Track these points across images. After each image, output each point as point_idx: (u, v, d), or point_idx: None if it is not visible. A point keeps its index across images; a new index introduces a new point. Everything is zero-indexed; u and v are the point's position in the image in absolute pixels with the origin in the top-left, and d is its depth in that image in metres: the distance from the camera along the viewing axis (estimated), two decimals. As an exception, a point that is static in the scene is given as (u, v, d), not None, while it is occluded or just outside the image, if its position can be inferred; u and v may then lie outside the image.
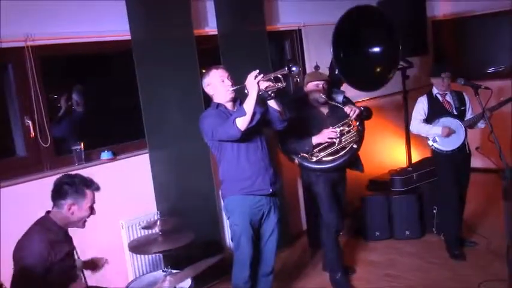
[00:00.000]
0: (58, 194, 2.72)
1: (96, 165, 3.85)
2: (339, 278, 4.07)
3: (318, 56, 5.17)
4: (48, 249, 2.61)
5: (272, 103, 3.38)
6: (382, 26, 4.22)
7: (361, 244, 4.84)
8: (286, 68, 3.22)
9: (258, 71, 3.21)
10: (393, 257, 4.56)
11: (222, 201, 3.68)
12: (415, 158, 5.62)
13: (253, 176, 3.43)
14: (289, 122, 3.61)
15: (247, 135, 3.27)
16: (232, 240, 3.61)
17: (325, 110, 4.02)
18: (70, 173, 2.95)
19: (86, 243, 3.23)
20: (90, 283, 3.09)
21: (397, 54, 4.28)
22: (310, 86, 3.98)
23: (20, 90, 3.53)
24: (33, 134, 3.54)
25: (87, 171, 3.71)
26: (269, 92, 3.28)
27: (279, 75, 3.26)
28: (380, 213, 4.86)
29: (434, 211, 4.79)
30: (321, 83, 3.94)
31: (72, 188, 2.71)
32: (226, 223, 4.25)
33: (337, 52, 3.96)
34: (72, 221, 2.76)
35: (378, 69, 4.27)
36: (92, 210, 2.80)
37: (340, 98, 3.99)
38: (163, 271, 2.36)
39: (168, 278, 2.32)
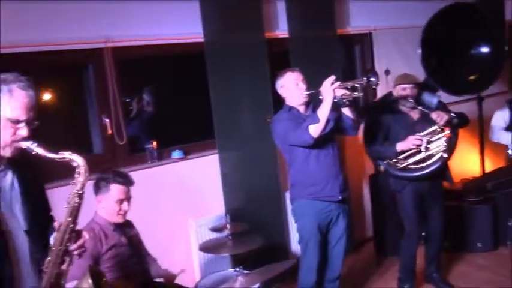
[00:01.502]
0: (94, 190, 2.87)
1: (167, 163, 3.94)
2: None
3: (389, 61, 5.09)
4: (94, 243, 2.73)
5: (346, 111, 3.35)
6: (484, 26, 3.95)
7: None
8: (365, 78, 3.18)
9: (334, 77, 3.18)
10: (463, 269, 4.40)
11: (290, 204, 3.67)
12: (489, 167, 5.39)
13: (322, 182, 3.41)
14: (377, 125, 3.64)
15: (319, 141, 3.26)
16: (299, 244, 3.61)
17: (415, 115, 3.84)
18: (114, 170, 3.05)
19: (154, 240, 3.31)
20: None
21: (503, 56, 3.99)
22: (398, 89, 3.83)
23: (98, 90, 3.67)
24: (110, 131, 3.67)
25: (159, 170, 3.85)
26: (344, 100, 3.24)
27: (356, 85, 3.22)
28: (451, 223, 4.68)
29: (510, 223, 4.56)
30: (408, 86, 3.77)
31: (102, 183, 2.85)
32: (293, 227, 4.24)
33: (426, 54, 3.77)
34: (108, 215, 2.85)
35: (478, 72, 3.99)
36: (120, 204, 2.85)
37: (434, 101, 3.81)
38: (235, 270, 2.37)
39: (239, 278, 2.33)
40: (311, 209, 3.43)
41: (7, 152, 1.85)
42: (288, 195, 3.73)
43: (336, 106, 3.28)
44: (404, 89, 3.77)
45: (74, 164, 1.91)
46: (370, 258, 4.84)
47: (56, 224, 1.95)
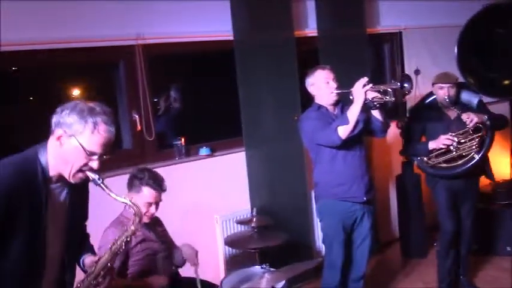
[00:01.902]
0: (128, 185, 2.89)
1: (194, 160, 3.97)
2: None
3: (419, 60, 5.04)
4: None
5: (376, 113, 3.33)
6: None
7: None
8: (399, 83, 3.15)
9: (367, 79, 3.16)
10: (491, 272, 4.34)
11: (315, 203, 3.67)
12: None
13: (348, 183, 3.40)
14: (415, 122, 3.86)
15: (346, 142, 3.25)
16: (323, 243, 3.61)
17: (452, 114, 3.81)
18: (145, 167, 3.06)
19: (180, 234, 3.35)
20: (182, 274, 3.20)
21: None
22: (436, 88, 3.81)
23: (129, 86, 3.73)
24: (139, 127, 3.73)
25: (186, 166, 3.89)
26: (374, 103, 3.23)
27: (388, 89, 3.20)
28: (480, 225, 4.62)
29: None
30: (445, 86, 3.73)
31: (136, 181, 2.86)
32: (318, 225, 4.24)
33: (463, 54, 3.69)
34: (136, 213, 2.87)
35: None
36: (149, 207, 2.87)
37: (474, 101, 3.80)
38: (261, 267, 2.38)
39: (266, 275, 2.35)
40: (335, 209, 3.43)
41: (74, 179, 1.90)
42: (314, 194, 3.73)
43: (366, 108, 3.27)
44: (442, 88, 3.76)
45: (131, 211, 2.00)
46: (395, 260, 4.81)
47: (94, 258, 2.03)
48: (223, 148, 4.16)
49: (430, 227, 4.72)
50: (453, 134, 3.68)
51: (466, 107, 3.78)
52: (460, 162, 3.72)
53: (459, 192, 3.87)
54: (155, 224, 3.03)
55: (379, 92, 3.21)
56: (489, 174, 3.93)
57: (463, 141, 3.70)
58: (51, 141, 1.88)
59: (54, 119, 1.87)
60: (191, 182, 3.88)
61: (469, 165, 3.71)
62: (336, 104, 3.45)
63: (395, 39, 5.15)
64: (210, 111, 4.44)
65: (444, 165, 3.77)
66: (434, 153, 3.77)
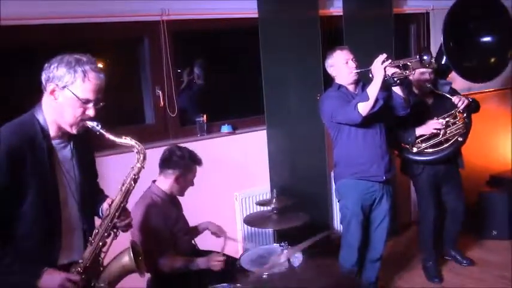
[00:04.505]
0: (167, 163, 2.90)
1: (216, 137, 4.01)
2: (430, 266, 4.05)
3: (445, 42, 4.93)
4: (163, 215, 2.84)
5: (397, 89, 3.30)
6: (499, 14, 3.90)
7: (476, 242, 4.62)
8: (418, 57, 3.12)
9: (385, 55, 3.14)
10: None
11: (334, 183, 3.68)
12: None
13: (368, 162, 3.40)
14: None
15: (367, 120, 3.24)
16: (341, 223, 3.62)
17: (429, 100, 3.84)
18: (179, 145, 3.10)
19: (200, 210, 3.40)
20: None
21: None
22: (416, 74, 3.72)
23: (153, 62, 3.75)
24: (162, 103, 3.76)
25: (207, 143, 3.92)
26: (395, 79, 3.19)
27: (408, 63, 3.16)
28: (499, 211, 4.59)
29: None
30: (427, 71, 3.73)
31: (182, 160, 2.88)
32: (336, 206, 4.25)
33: (447, 40, 3.72)
34: (175, 190, 2.94)
35: (492, 60, 3.94)
36: (192, 183, 2.97)
37: (446, 88, 3.82)
38: (280, 245, 2.42)
39: (285, 252, 2.39)
40: (355, 189, 3.44)
41: (74, 130, 1.98)
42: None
43: (387, 85, 3.23)
44: (423, 74, 3.73)
45: (134, 150, 2.01)
46: (411, 242, 4.80)
47: (108, 201, 2.09)
48: (244, 126, 4.18)
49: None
50: (444, 117, 3.70)
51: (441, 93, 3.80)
52: (445, 145, 3.75)
53: (442, 179, 3.92)
54: (177, 200, 3.08)
55: (398, 67, 3.18)
56: (460, 162, 3.97)
57: (449, 124, 3.72)
58: (45, 98, 1.96)
59: (44, 75, 1.95)
60: (212, 159, 3.87)
61: (454, 147, 3.76)
62: (356, 83, 3.44)
63: (422, 19, 5.06)
64: (232, 88, 4.45)
65: (430, 150, 3.77)
66: (420, 139, 3.75)
